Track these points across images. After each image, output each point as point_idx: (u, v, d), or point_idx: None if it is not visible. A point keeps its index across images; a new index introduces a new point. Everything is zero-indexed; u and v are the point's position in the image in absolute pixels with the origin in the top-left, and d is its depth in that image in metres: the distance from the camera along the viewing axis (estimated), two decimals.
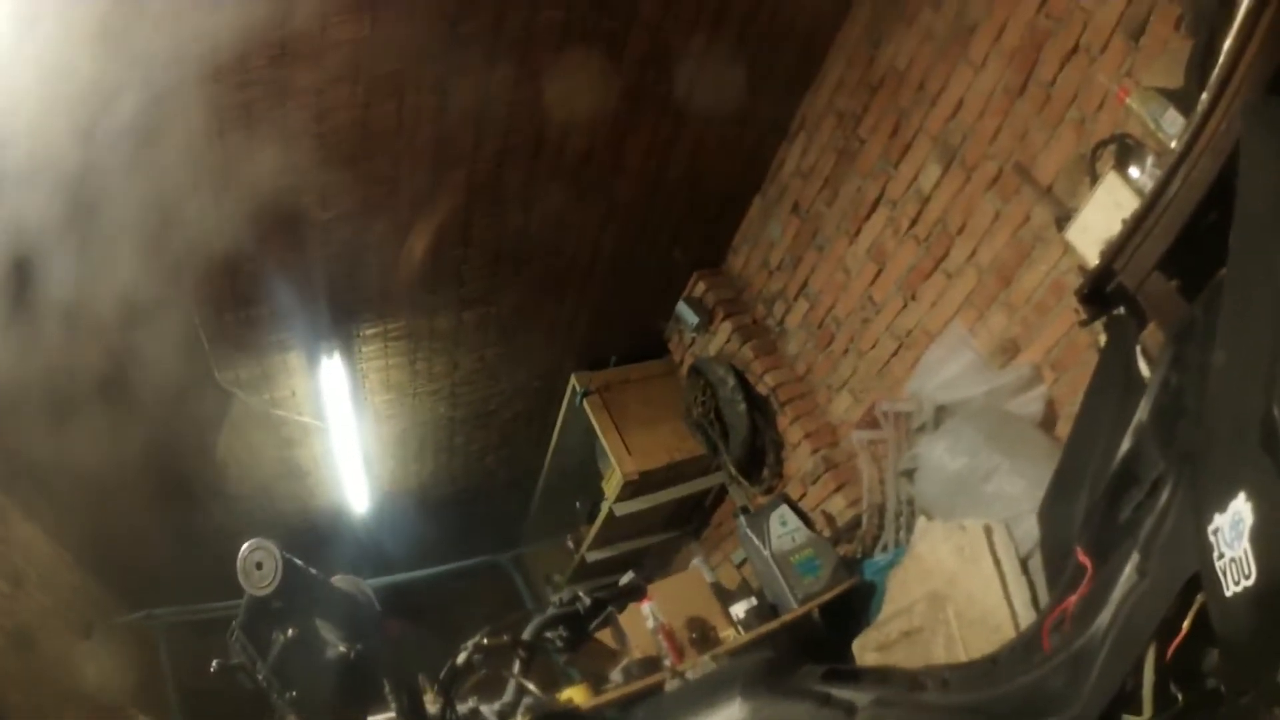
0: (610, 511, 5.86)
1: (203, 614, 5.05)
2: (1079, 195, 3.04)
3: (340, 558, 6.27)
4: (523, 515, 7.49)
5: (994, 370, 3.91)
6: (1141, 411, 1.68)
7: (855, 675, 1.83)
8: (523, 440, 6.60)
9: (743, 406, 5.19)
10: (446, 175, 4.10)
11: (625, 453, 5.61)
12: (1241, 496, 1.26)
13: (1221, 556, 1.29)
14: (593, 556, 6.34)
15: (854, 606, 4.38)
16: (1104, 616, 1.57)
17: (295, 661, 1.75)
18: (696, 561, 5.37)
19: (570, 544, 6.57)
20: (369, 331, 4.95)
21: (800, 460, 5.12)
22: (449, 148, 3.96)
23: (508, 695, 2.22)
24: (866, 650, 3.98)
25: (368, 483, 5.93)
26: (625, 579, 2.65)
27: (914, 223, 4.18)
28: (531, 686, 2.19)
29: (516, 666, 2.23)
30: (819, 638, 4.47)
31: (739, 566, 5.28)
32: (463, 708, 2.09)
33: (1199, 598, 1.43)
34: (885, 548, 4.42)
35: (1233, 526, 1.27)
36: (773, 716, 1.67)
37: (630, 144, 4.44)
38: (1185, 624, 1.46)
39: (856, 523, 4.69)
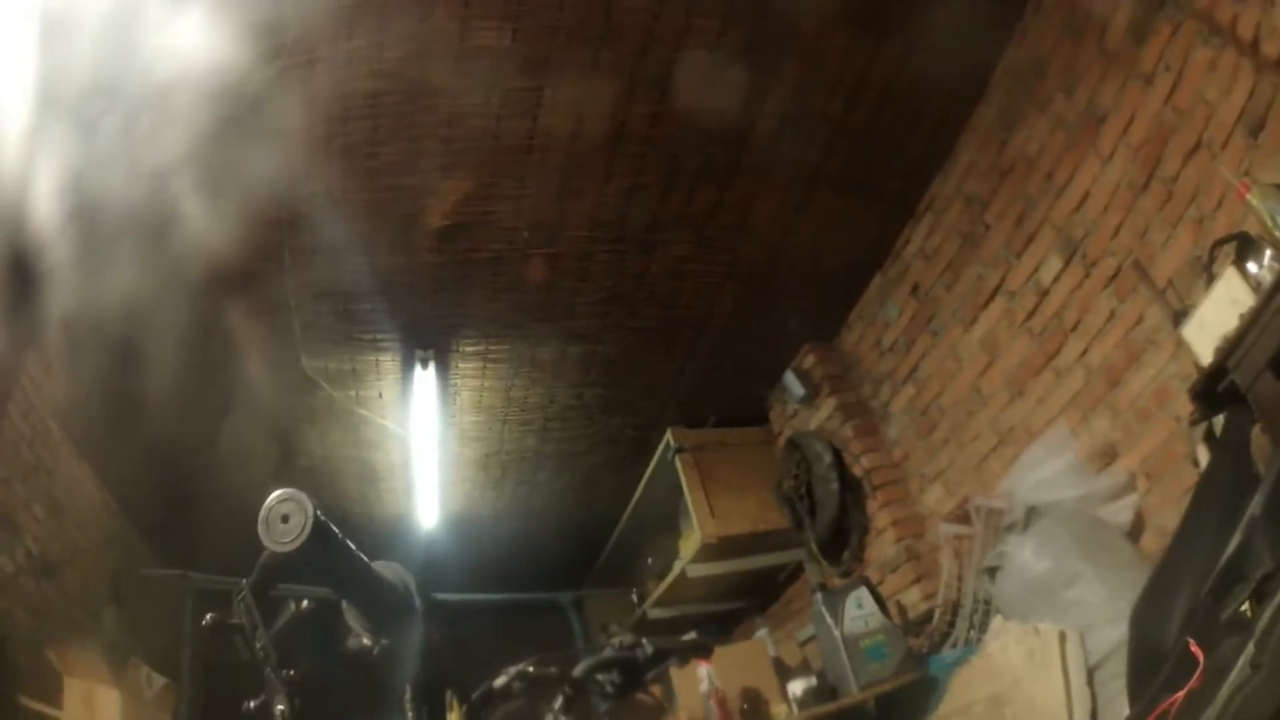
0: (683, 571, 5.80)
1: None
2: (1193, 295, 2.94)
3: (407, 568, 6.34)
4: (591, 562, 7.45)
5: (1089, 474, 3.77)
6: (1255, 505, 1.63)
7: None
8: (606, 487, 6.58)
9: (835, 485, 5.10)
10: (572, 203, 4.18)
11: (709, 514, 5.57)
12: None
13: None
14: (655, 614, 6.29)
15: (913, 702, 4.22)
16: (1210, 713, 1.49)
17: (305, 639, 1.64)
18: (761, 633, 5.31)
19: (635, 597, 6.51)
20: (470, 349, 5.04)
21: (883, 547, 4.98)
22: (578, 175, 4.04)
23: None
24: None
25: (439, 500, 6.00)
26: (689, 636, 2.58)
27: (1030, 315, 4.07)
28: None
29: (559, 702, 2.12)
30: None
31: (803, 645, 5.17)
32: None
33: None
34: (955, 644, 4.26)
35: None
36: None
37: (758, 205, 4.47)
38: None
39: (928, 617, 4.52)
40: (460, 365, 5.13)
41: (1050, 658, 3.41)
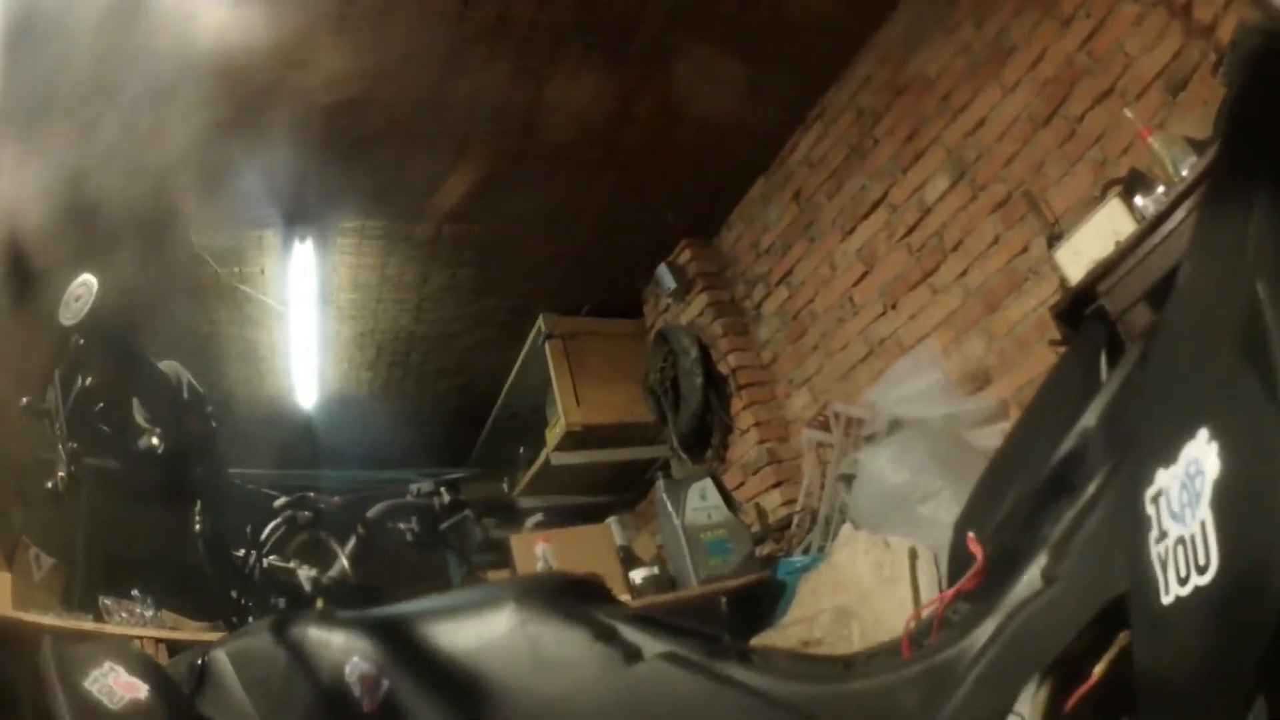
0: (548, 459, 5.80)
1: None
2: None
3: (281, 449, 6.23)
4: (468, 449, 7.40)
5: (960, 396, 3.82)
6: (1091, 413, 1.38)
7: (659, 624, 1.64)
8: (480, 372, 6.47)
9: (700, 380, 5.13)
10: (454, 83, 3.97)
11: (574, 402, 5.55)
12: (1203, 436, 0.86)
13: (1163, 537, 0.89)
14: (525, 503, 6.27)
15: (763, 606, 4.20)
16: (985, 628, 1.23)
17: (91, 421, 1.73)
18: (611, 520, 5.28)
19: (506, 487, 6.50)
20: (348, 225, 4.84)
21: (746, 448, 5.06)
22: (461, 55, 3.83)
23: (334, 569, 2.16)
24: None
25: (318, 380, 5.85)
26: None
27: (910, 231, 4.11)
28: (347, 566, 2.12)
29: (352, 543, 2.17)
30: (721, 627, 4.23)
31: (661, 546, 5.21)
32: (282, 563, 2.03)
33: (1121, 637, 1.06)
34: (807, 550, 4.32)
35: (1185, 485, 0.87)
36: (540, 632, 1.54)
37: (645, 93, 4.32)
38: (1098, 668, 1.08)
39: (787, 523, 4.61)
40: (338, 241, 4.94)
41: (899, 572, 3.37)
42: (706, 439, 5.25)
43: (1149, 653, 0.94)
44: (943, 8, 3.92)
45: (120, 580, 3.14)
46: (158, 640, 3.05)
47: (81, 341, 1.70)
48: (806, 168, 4.75)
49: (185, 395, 1.90)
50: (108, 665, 1.57)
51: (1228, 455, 0.82)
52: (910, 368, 4.03)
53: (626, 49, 4.03)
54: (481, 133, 4.32)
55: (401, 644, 1.62)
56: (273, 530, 2.11)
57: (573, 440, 5.62)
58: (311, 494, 2.17)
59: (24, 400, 1.77)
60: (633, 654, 1.49)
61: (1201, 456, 0.85)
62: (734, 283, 5.39)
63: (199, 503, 1.91)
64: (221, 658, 1.76)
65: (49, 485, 1.77)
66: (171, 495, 1.89)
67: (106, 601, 3.02)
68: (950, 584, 1.60)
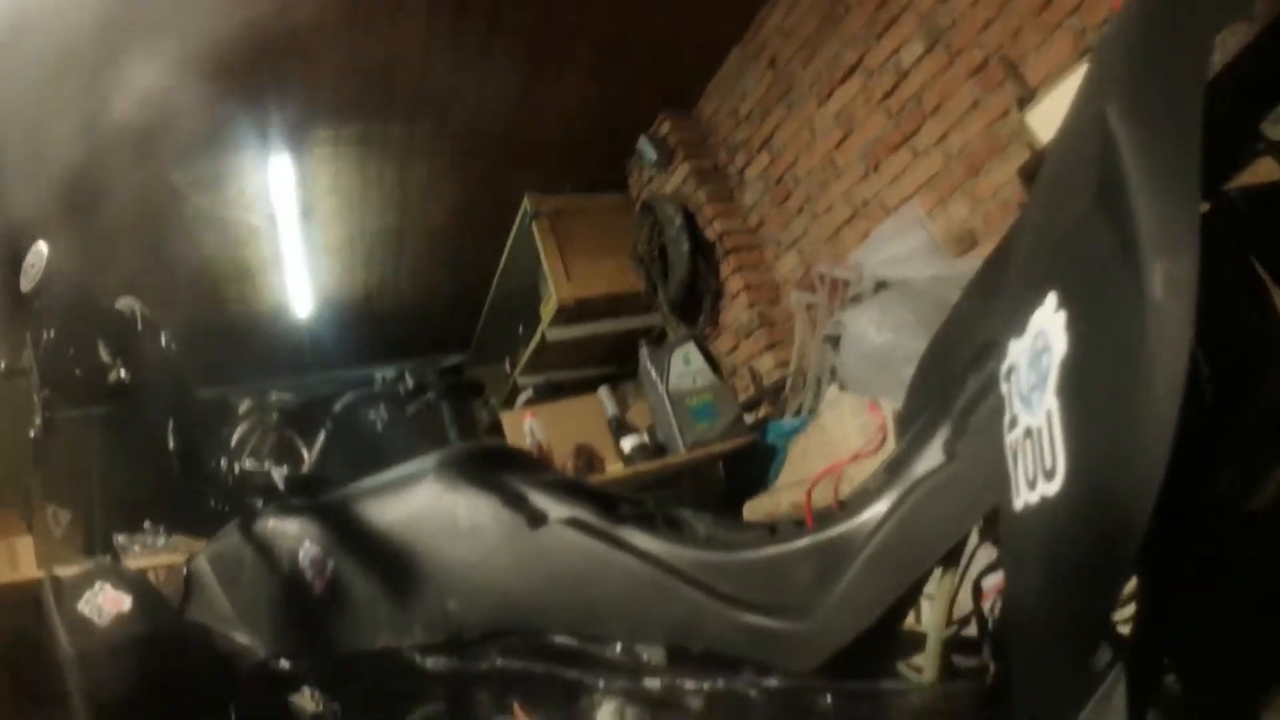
0: (544, 336, 5.92)
1: None
2: None
3: (282, 359, 6.34)
4: (469, 338, 7.50)
5: (947, 258, 3.86)
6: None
7: (574, 490, 1.61)
8: (472, 260, 6.49)
9: (686, 247, 5.20)
10: None
11: (565, 278, 5.62)
12: (1051, 302, 0.69)
13: (1014, 424, 0.73)
14: (524, 381, 6.43)
15: (756, 471, 4.20)
16: (882, 503, 1.06)
17: (64, 368, 1.82)
18: (601, 390, 5.15)
19: (507, 367, 6.62)
20: (322, 133, 4.83)
21: (737, 312, 5.19)
22: None
23: (307, 463, 2.17)
24: (756, 516, 3.73)
25: (311, 287, 5.94)
26: (449, 362, 2.58)
27: (888, 95, 4.13)
28: (309, 459, 2.13)
29: (320, 437, 2.17)
30: (718, 492, 4.39)
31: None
32: (256, 466, 2.08)
33: None
34: (798, 412, 4.40)
35: (1032, 363, 0.70)
36: (455, 501, 1.55)
37: None
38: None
39: (781, 385, 4.74)
40: (315, 150, 4.93)
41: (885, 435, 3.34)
42: (697, 305, 5.37)
43: (1005, 568, 0.79)
44: None
45: (132, 518, 3.25)
46: (170, 566, 3.18)
47: (41, 303, 1.79)
48: (780, 36, 4.73)
49: (140, 326, 1.96)
50: (98, 585, 1.72)
51: (1076, 329, 0.65)
52: (894, 229, 4.07)
53: None
54: (442, 26, 4.27)
55: (343, 524, 1.68)
56: (242, 435, 2.13)
57: (566, 315, 5.72)
58: (273, 394, 2.19)
59: (1, 364, 1.85)
60: (538, 519, 1.49)
61: (1049, 328, 0.68)
62: (715, 150, 5.42)
63: (170, 422, 1.96)
64: (202, 564, 1.90)
65: (30, 435, 1.83)
66: (150, 422, 1.94)
67: (120, 540, 3.16)
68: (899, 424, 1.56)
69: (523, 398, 5.63)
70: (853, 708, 1.13)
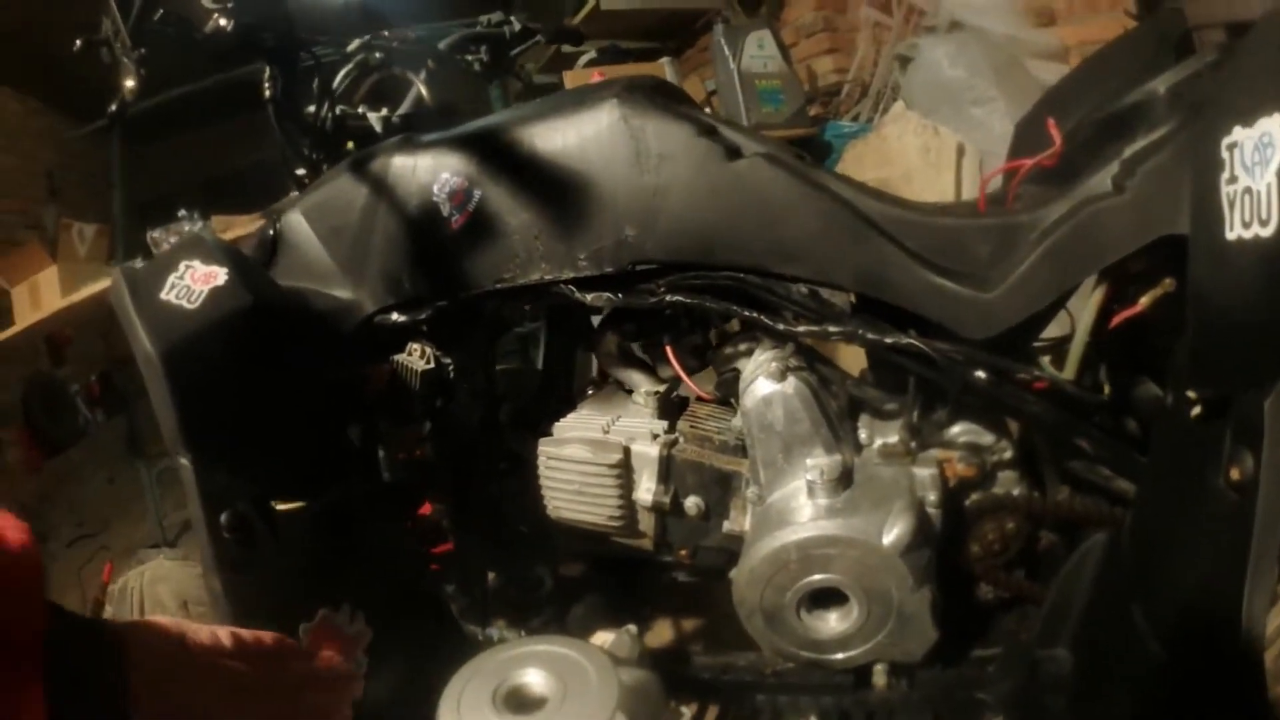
0: (598, 3, 5.83)
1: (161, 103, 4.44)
2: None
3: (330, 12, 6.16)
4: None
5: (1024, 24, 3.86)
6: (1160, 81, 1.33)
7: (755, 132, 1.63)
8: None
9: None
10: None
11: None
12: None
13: (1234, 180, 0.97)
14: (569, 49, 6.33)
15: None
16: (1058, 207, 1.30)
17: (153, 28, 1.69)
18: (664, 61, 5.25)
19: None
20: None
21: (802, 9, 5.18)
22: None
23: (405, 105, 2.16)
24: None
25: None
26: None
27: None
28: (424, 92, 2.14)
29: (423, 74, 2.17)
30: None
31: (711, 95, 5.34)
32: (351, 109, 2.04)
33: (1167, 281, 1.20)
34: (856, 119, 4.57)
35: (1259, 148, 0.93)
36: (643, 125, 1.48)
37: None
38: (1144, 300, 1.23)
39: (837, 90, 4.86)
40: None
41: (945, 161, 3.48)
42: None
43: (1207, 275, 1.04)
44: None
45: (164, 214, 2.99)
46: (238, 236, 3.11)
47: None
48: None
49: None
50: (183, 265, 1.51)
51: None
52: None
53: None
54: None
55: (495, 152, 1.56)
56: (344, 76, 2.08)
57: None
58: (386, 32, 2.13)
59: (77, 42, 1.69)
60: (733, 150, 1.47)
61: (1276, 130, 0.92)
62: None
63: (267, 70, 1.86)
64: (295, 217, 1.72)
65: (111, 108, 1.72)
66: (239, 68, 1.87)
67: (154, 234, 2.90)
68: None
69: (584, 59, 5.59)
70: None
